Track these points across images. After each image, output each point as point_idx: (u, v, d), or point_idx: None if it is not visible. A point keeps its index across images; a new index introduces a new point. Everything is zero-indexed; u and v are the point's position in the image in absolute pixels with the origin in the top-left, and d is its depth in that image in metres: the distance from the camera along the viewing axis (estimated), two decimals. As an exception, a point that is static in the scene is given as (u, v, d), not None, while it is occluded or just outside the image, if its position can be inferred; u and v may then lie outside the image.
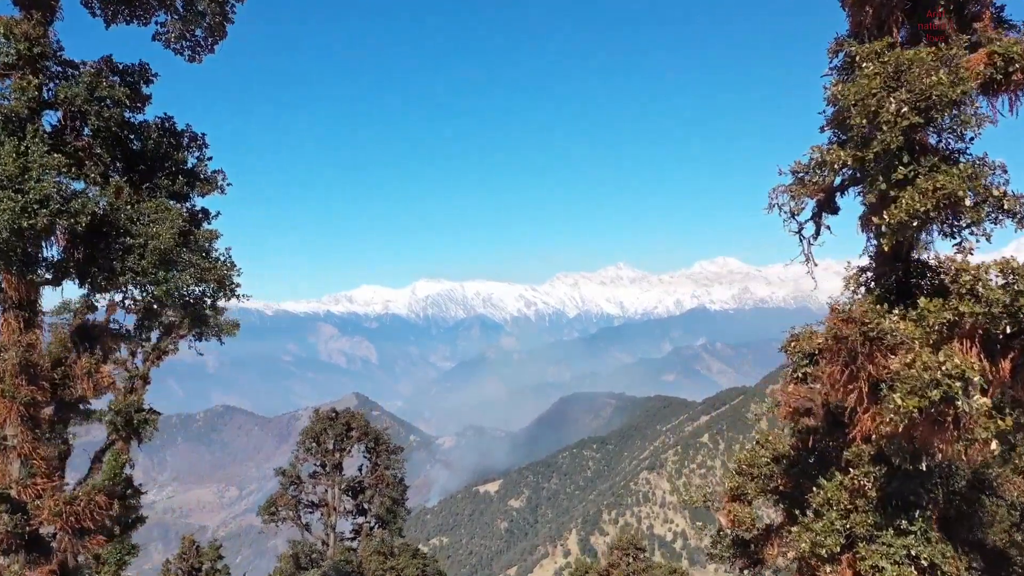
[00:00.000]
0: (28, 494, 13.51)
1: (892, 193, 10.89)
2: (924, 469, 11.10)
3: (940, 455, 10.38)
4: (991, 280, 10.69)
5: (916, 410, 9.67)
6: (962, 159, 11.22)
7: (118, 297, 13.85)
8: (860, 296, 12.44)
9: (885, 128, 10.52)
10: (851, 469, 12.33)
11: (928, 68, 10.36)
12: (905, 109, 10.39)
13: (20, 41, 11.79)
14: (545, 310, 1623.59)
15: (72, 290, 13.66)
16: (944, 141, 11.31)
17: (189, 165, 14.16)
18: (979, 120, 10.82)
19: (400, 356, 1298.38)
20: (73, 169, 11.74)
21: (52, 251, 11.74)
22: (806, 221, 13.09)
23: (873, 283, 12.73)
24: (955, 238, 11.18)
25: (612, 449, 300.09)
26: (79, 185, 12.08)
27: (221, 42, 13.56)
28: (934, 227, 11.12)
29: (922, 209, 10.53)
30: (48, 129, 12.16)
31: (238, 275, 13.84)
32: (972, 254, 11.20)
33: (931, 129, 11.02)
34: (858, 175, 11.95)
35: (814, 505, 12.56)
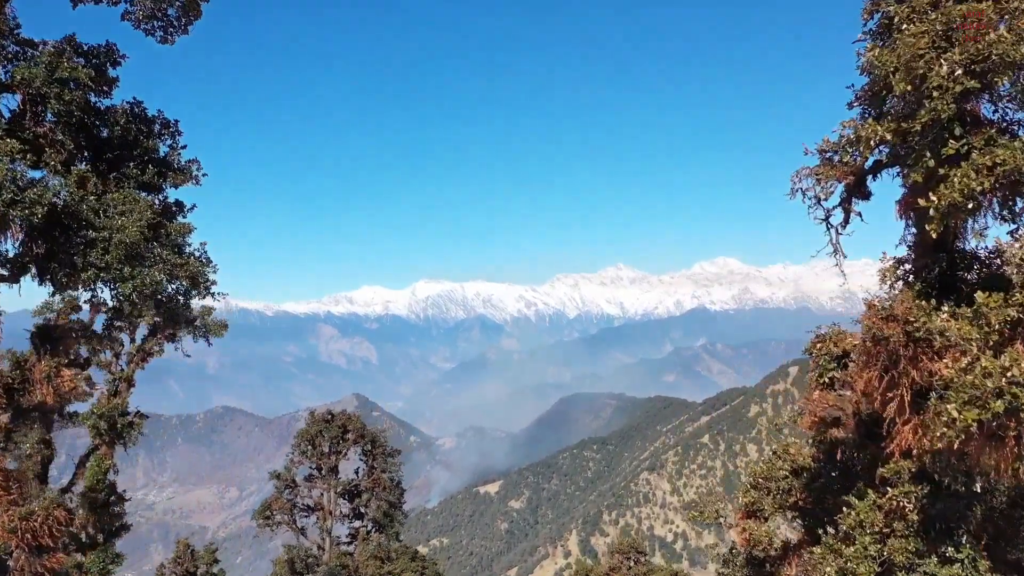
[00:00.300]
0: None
1: (942, 171, 9.41)
2: (978, 490, 9.92)
3: (994, 473, 8.92)
4: None
5: (974, 423, 8.25)
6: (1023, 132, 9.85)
7: (88, 295, 12.95)
8: (898, 291, 10.95)
9: (935, 95, 9.12)
10: (888, 488, 10.86)
11: (987, 24, 8.94)
12: (959, 72, 8.97)
13: None
14: (545, 311, 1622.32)
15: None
16: (1002, 111, 9.81)
17: (161, 154, 13.21)
18: None
19: (400, 357, 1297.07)
20: (30, 156, 10.72)
21: (7, 245, 10.79)
22: (834, 208, 11.68)
23: (912, 276, 11.26)
24: (1014, 223, 9.81)
25: (612, 450, 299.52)
26: (38, 174, 11.17)
27: (196, 22, 12.62)
28: (988, 211, 9.60)
29: (978, 188, 9.14)
30: (7, 114, 11.17)
31: (214, 272, 12.91)
32: None
33: (986, 97, 9.58)
34: (899, 152, 10.37)
35: (843, 527, 11.07)
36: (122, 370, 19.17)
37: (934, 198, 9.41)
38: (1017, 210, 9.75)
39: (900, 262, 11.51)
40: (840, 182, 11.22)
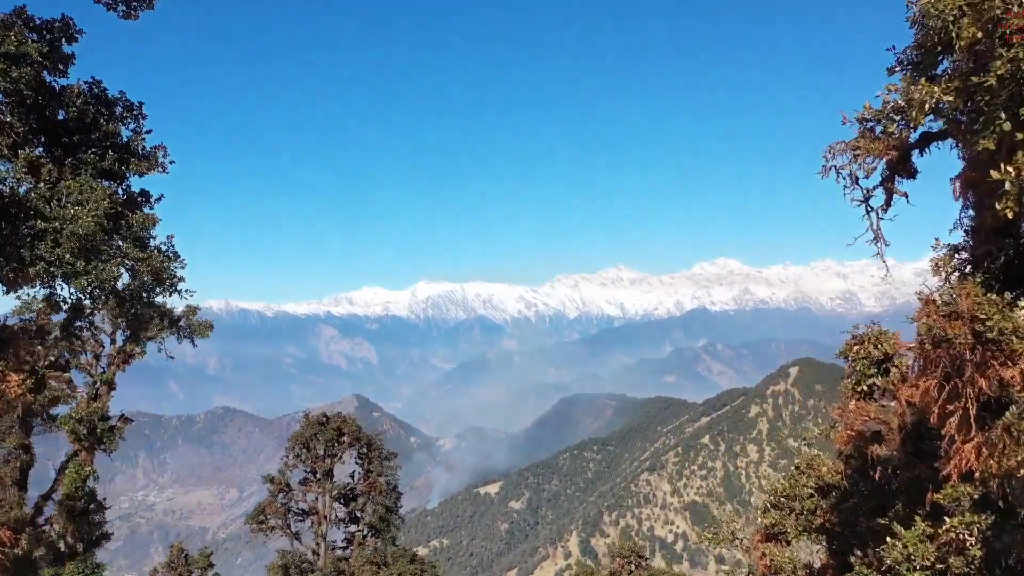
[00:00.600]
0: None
1: (1020, 135, 7.80)
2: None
3: None
4: None
5: None
6: None
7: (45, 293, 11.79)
8: (956, 284, 9.23)
9: (1016, 40, 7.53)
10: (944, 517, 9.23)
11: None
12: None
13: None
14: (545, 311, 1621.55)
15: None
16: None
17: (124, 139, 11.89)
18: None
19: (401, 358, 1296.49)
20: None
21: None
22: (874, 188, 10.14)
23: (971, 267, 9.70)
24: None
25: (613, 450, 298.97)
26: None
27: (161, -5, 11.63)
28: None
29: None
30: None
31: (181, 267, 11.91)
32: None
33: None
34: (958, 118, 8.92)
35: (888, 560, 9.42)
36: (102, 372, 18.24)
37: (1010, 169, 7.92)
38: None
39: (956, 250, 9.96)
40: (881, 158, 9.78)
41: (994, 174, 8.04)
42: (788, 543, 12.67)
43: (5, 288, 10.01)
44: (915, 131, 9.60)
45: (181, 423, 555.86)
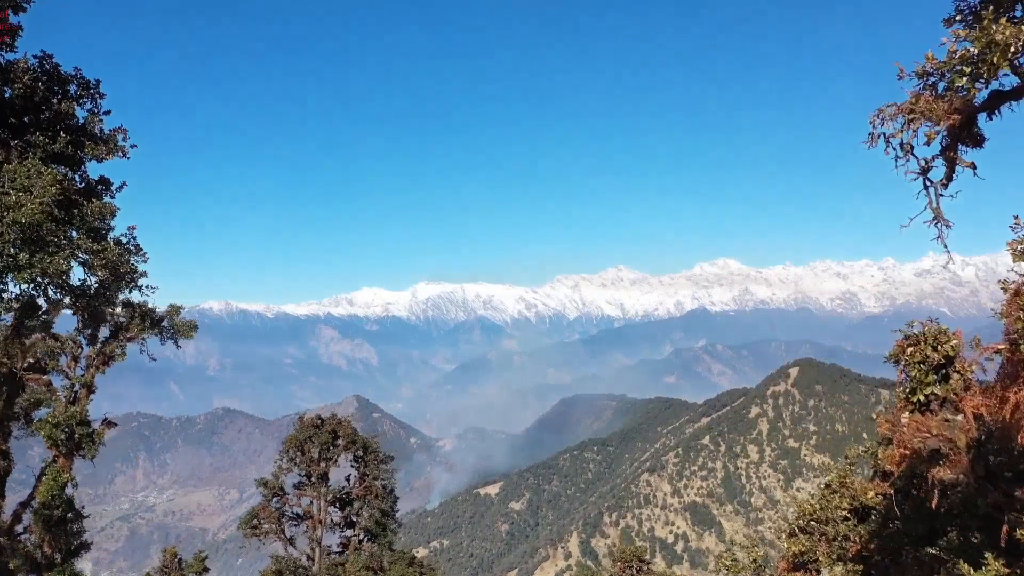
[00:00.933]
0: None
1: None
2: None
3: None
4: None
5: None
6: None
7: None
8: None
9: None
10: None
11: None
12: None
13: None
14: (545, 312, 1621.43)
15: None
16: None
17: (80, 120, 10.75)
18: None
19: (401, 359, 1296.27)
20: None
21: None
22: (933, 158, 8.61)
23: None
24: None
25: (613, 451, 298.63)
26: None
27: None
28: None
29: None
30: None
31: (143, 261, 10.95)
32: None
33: None
34: None
35: None
36: (81, 375, 17.43)
37: None
38: None
39: None
40: (943, 122, 8.16)
41: None
42: (818, 572, 11.11)
43: None
44: (986, 87, 8.09)
45: (181, 424, 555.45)
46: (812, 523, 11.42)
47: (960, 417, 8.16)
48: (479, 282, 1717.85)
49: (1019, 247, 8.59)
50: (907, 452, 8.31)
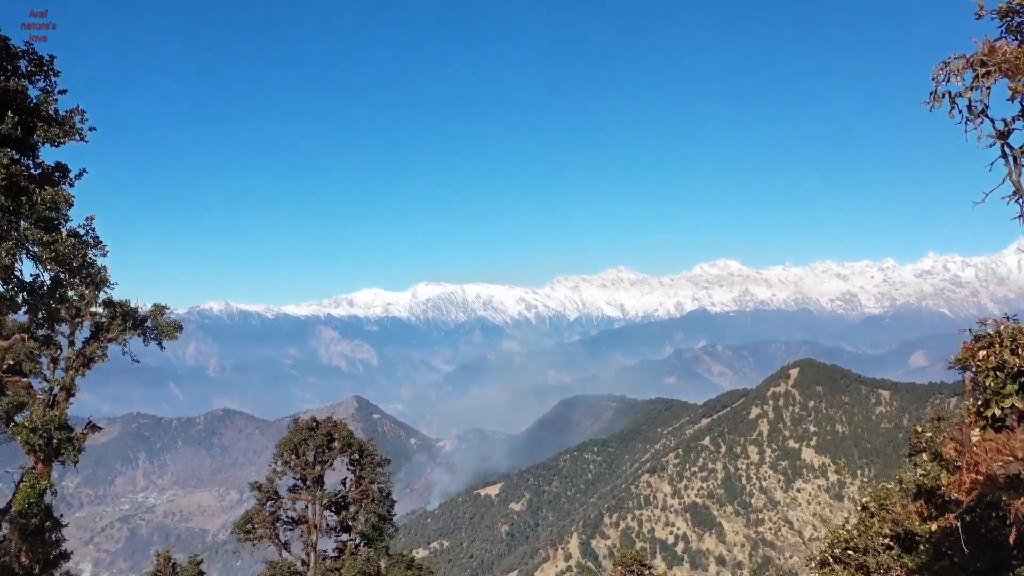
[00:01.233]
0: None
1: None
2: None
3: None
4: None
5: None
6: None
7: None
8: None
9: None
10: None
11: None
12: None
13: None
14: (546, 313, 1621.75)
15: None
16: None
17: (32, 100, 10.03)
18: None
19: (401, 359, 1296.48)
20: None
21: None
22: (1013, 119, 7.11)
23: None
24: None
25: (613, 452, 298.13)
26: None
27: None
28: None
29: None
30: None
31: (102, 255, 10.21)
32: None
33: None
34: None
35: None
36: (60, 378, 16.75)
37: None
38: None
39: None
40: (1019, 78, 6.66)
41: None
42: (857, 609, 9.11)
43: None
44: None
45: (181, 425, 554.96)
46: (849, 552, 9.89)
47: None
48: (479, 283, 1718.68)
49: None
50: (979, 478, 6.81)
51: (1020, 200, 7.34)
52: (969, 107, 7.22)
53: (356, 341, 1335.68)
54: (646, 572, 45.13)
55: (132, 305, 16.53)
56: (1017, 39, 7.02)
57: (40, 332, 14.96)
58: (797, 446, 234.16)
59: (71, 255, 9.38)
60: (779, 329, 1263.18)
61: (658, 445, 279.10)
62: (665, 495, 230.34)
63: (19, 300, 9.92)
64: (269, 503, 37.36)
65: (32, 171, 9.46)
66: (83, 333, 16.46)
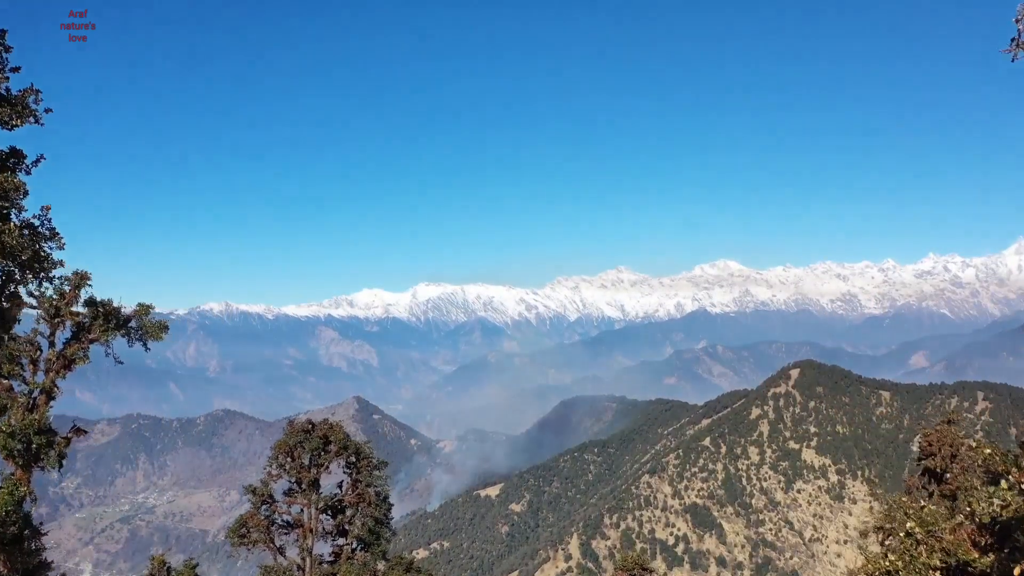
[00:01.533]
0: None
1: None
2: None
3: None
4: None
5: None
6: None
7: None
8: None
9: None
10: None
11: None
12: None
13: None
14: (546, 313, 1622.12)
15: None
16: None
17: None
18: None
19: (401, 360, 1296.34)
20: None
21: None
22: None
23: None
24: None
25: (613, 452, 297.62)
26: None
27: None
28: None
29: None
30: None
31: (58, 247, 9.56)
32: None
33: None
34: None
35: None
36: (40, 380, 16.12)
37: None
38: None
39: None
40: None
41: None
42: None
43: None
44: None
45: (181, 425, 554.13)
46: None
47: None
48: (479, 283, 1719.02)
49: None
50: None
51: None
52: None
53: (356, 342, 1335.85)
54: None
55: (115, 305, 15.98)
56: None
57: (70, 335, 14.35)
58: (797, 447, 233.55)
59: (20, 247, 8.73)
60: (779, 330, 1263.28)
61: (658, 446, 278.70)
62: (665, 496, 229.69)
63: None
64: (264, 507, 36.72)
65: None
66: (65, 334, 15.93)
